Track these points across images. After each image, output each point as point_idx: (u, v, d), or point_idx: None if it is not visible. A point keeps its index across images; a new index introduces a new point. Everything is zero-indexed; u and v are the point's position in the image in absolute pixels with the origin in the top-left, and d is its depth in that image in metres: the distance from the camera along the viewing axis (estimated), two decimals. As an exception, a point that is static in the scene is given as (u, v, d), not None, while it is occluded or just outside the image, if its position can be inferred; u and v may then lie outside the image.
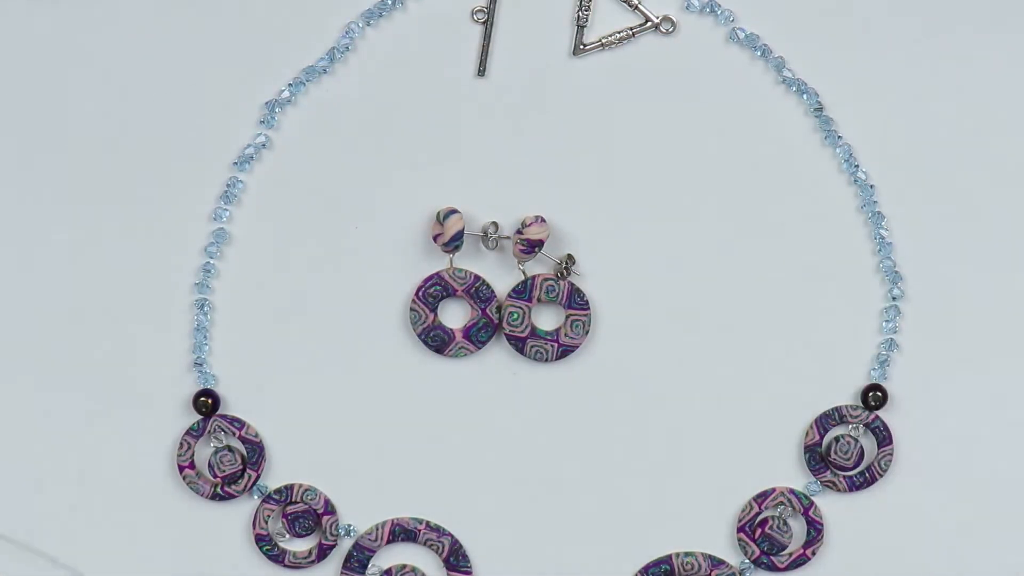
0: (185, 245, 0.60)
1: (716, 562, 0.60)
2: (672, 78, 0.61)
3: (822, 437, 0.60)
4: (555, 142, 0.61)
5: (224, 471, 0.60)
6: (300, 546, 0.60)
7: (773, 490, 0.60)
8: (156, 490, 0.60)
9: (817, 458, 0.60)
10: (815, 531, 0.60)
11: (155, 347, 0.60)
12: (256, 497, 0.60)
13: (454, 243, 0.59)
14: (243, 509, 0.60)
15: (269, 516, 0.60)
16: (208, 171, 0.60)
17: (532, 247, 0.59)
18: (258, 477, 0.60)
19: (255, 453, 0.60)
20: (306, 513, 0.60)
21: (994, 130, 0.61)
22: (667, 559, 0.60)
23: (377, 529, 0.60)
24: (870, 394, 0.60)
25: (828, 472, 0.60)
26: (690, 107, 0.61)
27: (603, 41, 0.61)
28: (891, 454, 0.60)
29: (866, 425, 0.60)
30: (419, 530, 0.60)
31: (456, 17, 0.61)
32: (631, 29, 0.61)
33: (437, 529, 0.60)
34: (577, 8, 0.61)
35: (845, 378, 0.61)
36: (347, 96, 0.61)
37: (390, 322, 0.60)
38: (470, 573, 0.60)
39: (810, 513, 0.60)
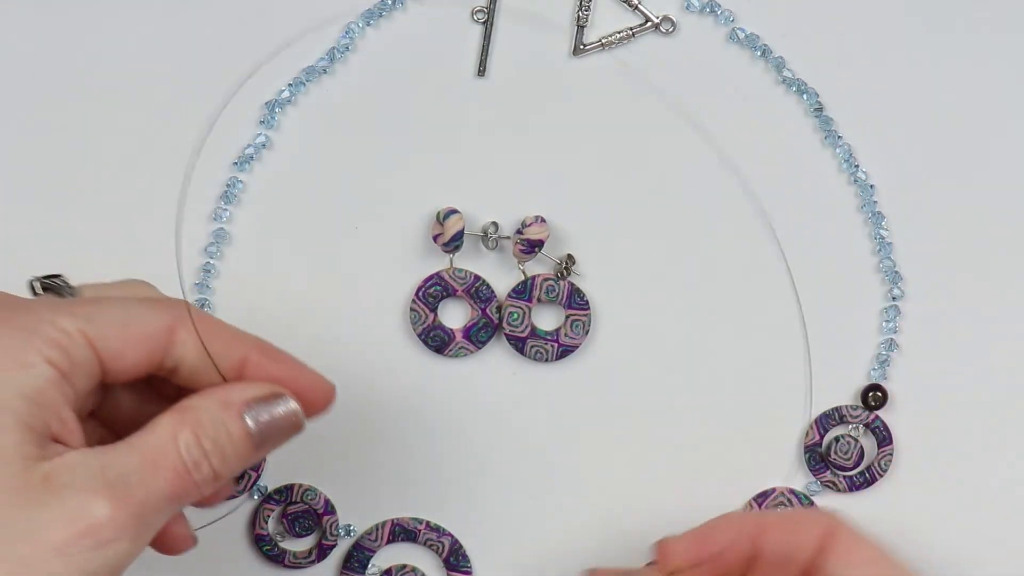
0: (185, 245, 0.60)
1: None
2: (672, 78, 0.61)
3: (822, 437, 0.60)
4: (555, 142, 0.61)
5: (224, 471, 0.60)
6: (300, 546, 0.60)
7: (773, 490, 0.60)
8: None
9: (817, 458, 0.60)
10: (815, 531, 0.60)
11: (155, 347, 0.60)
12: (256, 497, 0.60)
13: (454, 243, 0.59)
14: (243, 509, 0.60)
15: (269, 516, 0.60)
16: (208, 171, 0.60)
17: (532, 247, 0.59)
18: (258, 477, 0.60)
19: (255, 453, 0.60)
20: (306, 513, 0.60)
21: (994, 130, 0.61)
22: (667, 559, 0.60)
23: (377, 529, 0.60)
24: (870, 394, 0.60)
25: (828, 472, 0.60)
26: (690, 107, 0.61)
27: (603, 41, 0.61)
28: (891, 454, 0.60)
29: (866, 425, 0.60)
30: (419, 530, 0.60)
31: (456, 17, 0.61)
32: (631, 29, 0.61)
33: (437, 529, 0.60)
34: (577, 8, 0.61)
35: (845, 378, 0.61)
36: (347, 96, 0.61)
37: (390, 322, 0.60)
38: (470, 573, 0.60)
39: (810, 513, 0.60)
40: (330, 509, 0.60)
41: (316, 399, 0.45)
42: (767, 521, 0.49)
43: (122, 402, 0.46)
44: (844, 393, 0.61)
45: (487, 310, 0.60)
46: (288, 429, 0.44)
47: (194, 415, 0.42)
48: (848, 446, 0.60)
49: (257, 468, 0.60)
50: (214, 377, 0.44)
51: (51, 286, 0.45)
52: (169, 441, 0.41)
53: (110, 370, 0.42)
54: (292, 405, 0.44)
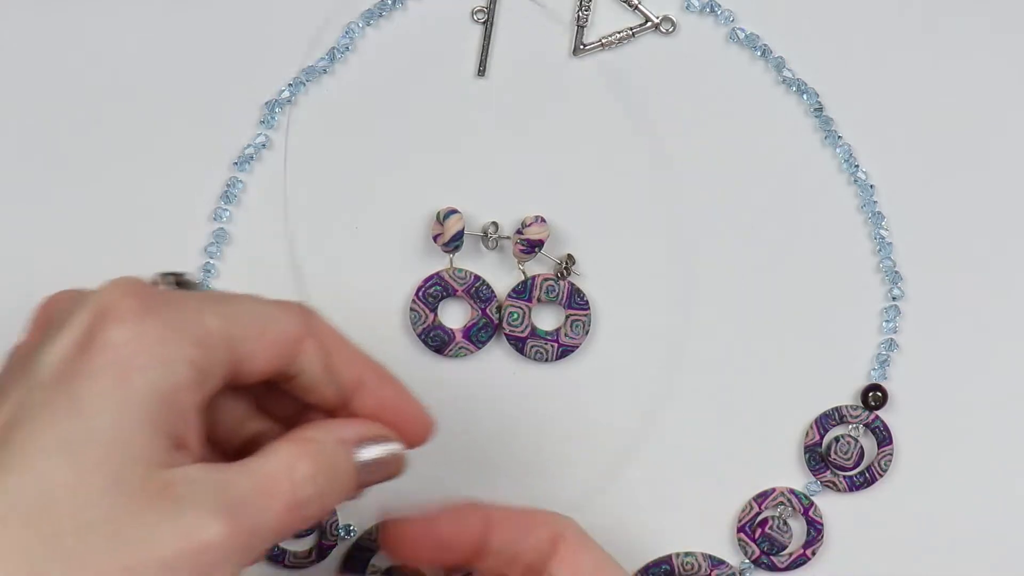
0: (185, 245, 0.60)
1: (716, 562, 0.60)
2: (672, 78, 0.61)
3: (822, 437, 0.60)
4: (555, 142, 0.61)
5: (224, 471, 0.60)
6: (300, 546, 0.60)
7: (773, 490, 0.60)
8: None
9: (817, 458, 0.60)
10: (815, 531, 0.60)
11: (155, 347, 0.60)
12: (256, 497, 0.60)
13: (454, 243, 0.59)
14: (243, 509, 0.60)
15: (269, 516, 0.60)
16: (208, 171, 0.60)
17: (532, 247, 0.59)
18: (258, 477, 0.60)
19: (255, 453, 0.60)
20: (306, 513, 0.60)
21: (994, 130, 0.61)
22: (667, 559, 0.60)
23: (377, 529, 0.60)
24: (870, 394, 0.60)
25: (828, 472, 0.60)
26: (690, 107, 0.61)
27: (603, 41, 0.61)
28: (891, 454, 0.60)
29: (866, 425, 0.60)
30: (419, 530, 0.60)
31: (456, 17, 0.61)
32: (631, 29, 0.61)
33: (437, 529, 0.60)
34: (577, 8, 0.61)
35: (845, 378, 0.61)
36: (347, 96, 0.61)
37: (390, 322, 0.60)
38: (471, 573, 0.60)
39: (810, 513, 0.60)
40: (330, 509, 0.60)
41: (416, 432, 0.45)
42: (496, 517, 0.48)
43: (223, 409, 0.44)
44: (844, 393, 0.61)
45: (487, 310, 0.60)
46: (388, 474, 0.43)
47: (314, 448, 0.41)
48: (848, 446, 0.60)
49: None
50: (327, 393, 0.43)
51: (184, 283, 0.43)
52: (285, 472, 0.39)
53: (239, 372, 0.41)
54: (398, 449, 0.43)
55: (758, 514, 0.60)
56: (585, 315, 0.60)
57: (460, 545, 0.48)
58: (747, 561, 0.60)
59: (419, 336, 0.60)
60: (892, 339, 0.61)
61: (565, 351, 0.60)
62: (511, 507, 0.49)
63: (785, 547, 0.60)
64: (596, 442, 0.60)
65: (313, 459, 0.40)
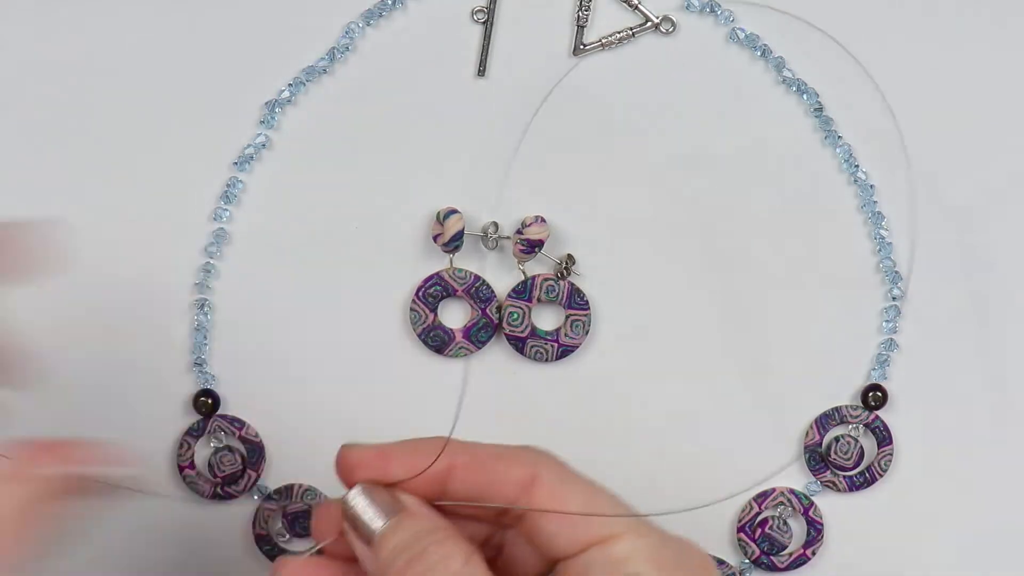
0: (185, 245, 0.60)
1: (716, 562, 0.60)
2: (672, 78, 0.61)
3: (822, 437, 0.60)
4: (555, 142, 0.61)
5: (224, 471, 0.60)
6: (300, 546, 0.60)
7: (773, 490, 0.60)
8: (156, 490, 0.60)
9: (817, 458, 0.60)
10: (815, 531, 0.60)
11: (155, 347, 0.60)
12: (256, 497, 0.60)
13: (454, 243, 0.59)
14: (243, 509, 0.60)
15: (269, 516, 0.60)
16: (208, 171, 0.60)
17: (532, 247, 0.59)
18: (258, 477, 0.60)
19: (255, 453, 0.60)
20: (306, 513, 0.60)
21: (994, 130, 0.61)
22: (667, 559, 0.60)
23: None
24: (870, 394, 0.60)
25: (828, 472, 0.60)
26: (690, 107, 0.61)
27: (603, 41, 0.61)
28: (891, 454, 0.60)
29: (866, 425, 0.60)
30: (419, 530, 0.60)
31: (456, 17, 0.61)
32: (631, 29, 0.61)
33: (437, 529, 0.60)
34: (577, 8, 0.61)
35: (845, 378, 0.61)
36: (347, 96, 0.61)
37: (390, 322, 0.60)
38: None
39: (810, 513, 0.60)
40: (330, 509, 0.60)
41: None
42: (460, 461, 0.43)
43: None
44: (844, 393, 0.61)
45: (487, 310, 0.60)
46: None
47: None
48: (848, 446, 0.60)
49: (257, 468, 0.60)
50: None
51: None
52: None
53: None
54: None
55: (758, 514, 0.60)
56: (585, 315, 0.60)
57: (419, 481, 0.43)
58: (747, 561, 0.61)
59: (419, 336, 0.60)
60: (892, 339, 0.61)
61: (565, 351, 0.60)
62: (479, 448, 0.44)
63: (785, 547, 0.60)
64: (595, 442, 0.60)
65: None
